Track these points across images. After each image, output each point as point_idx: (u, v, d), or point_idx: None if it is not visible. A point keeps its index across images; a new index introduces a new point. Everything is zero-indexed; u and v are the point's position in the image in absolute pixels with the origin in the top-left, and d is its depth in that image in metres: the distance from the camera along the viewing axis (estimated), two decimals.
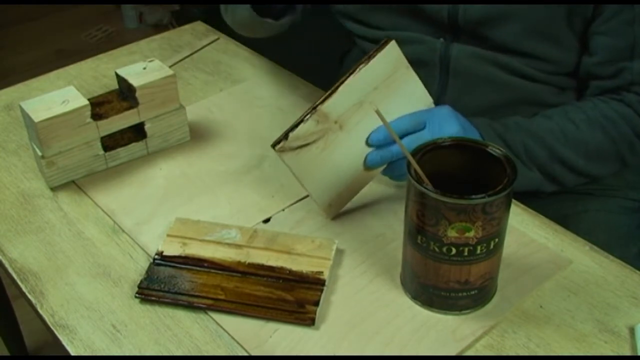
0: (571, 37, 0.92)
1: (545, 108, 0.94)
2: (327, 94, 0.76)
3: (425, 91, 0.84)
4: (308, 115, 0.75)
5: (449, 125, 0.80)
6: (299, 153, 0.76)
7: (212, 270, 0.76)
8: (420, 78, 0.83)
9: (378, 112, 0.70)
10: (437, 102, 0.93)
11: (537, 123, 0.90)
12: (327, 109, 0.76)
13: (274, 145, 0.76)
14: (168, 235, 0.80)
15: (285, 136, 0.75)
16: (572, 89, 0.98)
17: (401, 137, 0.78)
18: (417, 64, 0.83)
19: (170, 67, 1.02)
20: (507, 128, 0.88)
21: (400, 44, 0.79)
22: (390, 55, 0.79)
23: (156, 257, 0.78)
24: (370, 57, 0.78)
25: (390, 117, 0.78)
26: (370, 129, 0.79)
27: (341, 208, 0.84)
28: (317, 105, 0.76)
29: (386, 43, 0.79)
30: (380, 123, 0.74)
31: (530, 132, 0.89)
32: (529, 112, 0.93)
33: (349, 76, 0.77)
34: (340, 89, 0.77)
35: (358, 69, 0.77)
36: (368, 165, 0.81)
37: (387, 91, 0.80)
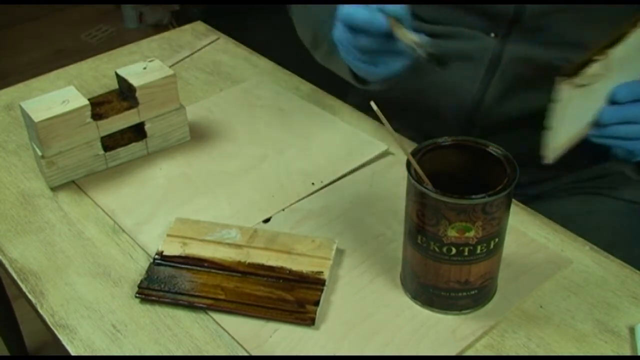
0: None
1: None
2: (610, 41, 0.71)
3: None
4: (599, 57, 0.70)
5: None
6: (573, 92, 0.72)
7: (212, 270, 0.76)
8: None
9: (375, 108, 0.69)
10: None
11: None
12: (615, 54, 0.71)
13: (563, 76, 0.70)
14: (168, 235, 0.80)
15: (576, 72, 0.71)
16: None
17: (637, 101, 0.74)
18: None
19: (170, 67, 1.02)
20: None
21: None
22: None
23: (156, 257, 0.78)
24: None
25: (629, 78, 0.75)
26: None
27: (561, 154, 0.78)
28: (605, 49, 0.70)
29: None
30: (629, 80, 0.71)
31: None
32: None
33: (633, 28, 0.71)
34: (628, 37, 0.71)
35: None
36: (601, 120, 0.75)
37: None
